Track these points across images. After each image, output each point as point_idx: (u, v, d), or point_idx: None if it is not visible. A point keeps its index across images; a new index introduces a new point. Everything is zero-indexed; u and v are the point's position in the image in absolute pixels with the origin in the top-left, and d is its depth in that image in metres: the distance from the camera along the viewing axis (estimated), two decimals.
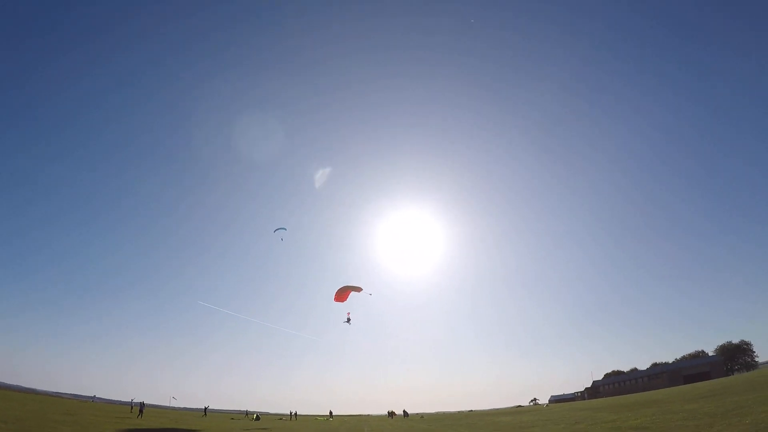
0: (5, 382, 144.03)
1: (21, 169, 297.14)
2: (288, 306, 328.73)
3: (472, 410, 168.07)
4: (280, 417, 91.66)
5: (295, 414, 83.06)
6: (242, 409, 78.64)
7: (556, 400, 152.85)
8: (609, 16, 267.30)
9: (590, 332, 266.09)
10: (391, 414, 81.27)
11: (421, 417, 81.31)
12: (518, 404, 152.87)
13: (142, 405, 52.08)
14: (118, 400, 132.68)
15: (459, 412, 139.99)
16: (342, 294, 33.98)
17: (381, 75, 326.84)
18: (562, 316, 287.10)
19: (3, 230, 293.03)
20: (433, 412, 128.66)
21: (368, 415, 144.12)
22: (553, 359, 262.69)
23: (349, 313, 34.81)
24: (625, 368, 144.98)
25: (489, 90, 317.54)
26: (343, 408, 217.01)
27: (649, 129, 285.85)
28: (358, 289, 33.85)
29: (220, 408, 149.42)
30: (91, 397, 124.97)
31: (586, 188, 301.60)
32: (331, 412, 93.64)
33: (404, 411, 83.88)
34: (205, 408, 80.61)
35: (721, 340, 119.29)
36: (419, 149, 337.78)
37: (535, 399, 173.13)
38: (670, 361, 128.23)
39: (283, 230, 42.13)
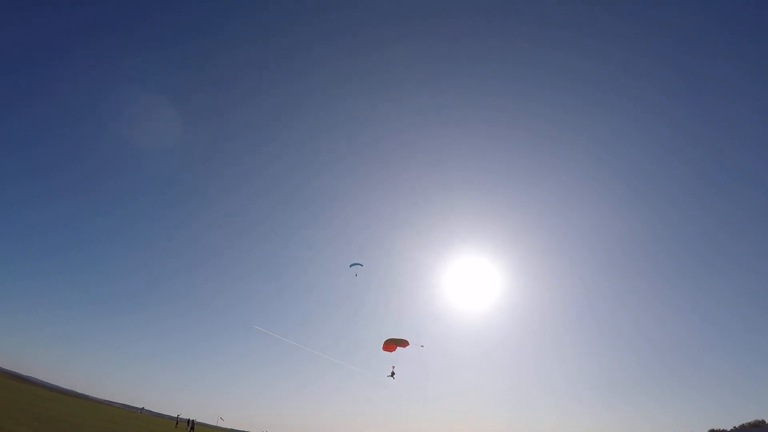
0: (59, 385, 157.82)
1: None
2: (352, 340, 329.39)
3: None
4: None
5: None
6: None
7: None
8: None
9: (643, 394, 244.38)
10: None
11: None
12: None
13: (192, 423, 54.51)
14: (165, 414, 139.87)
15: None
16: (389, 346, 33.34)
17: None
18: (613, 375, 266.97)
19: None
20: None
21: None
22: (604, 415, 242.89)
23: (394, 367, 33.72)
24: None
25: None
26: None
27: None
28: (404, 344, 33.24)
29: None
30: (139, 409, 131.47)
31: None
32: None
33: None
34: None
35: None
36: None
37: None
38: (729, 429, 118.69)
39: (360, 266, 41.84)
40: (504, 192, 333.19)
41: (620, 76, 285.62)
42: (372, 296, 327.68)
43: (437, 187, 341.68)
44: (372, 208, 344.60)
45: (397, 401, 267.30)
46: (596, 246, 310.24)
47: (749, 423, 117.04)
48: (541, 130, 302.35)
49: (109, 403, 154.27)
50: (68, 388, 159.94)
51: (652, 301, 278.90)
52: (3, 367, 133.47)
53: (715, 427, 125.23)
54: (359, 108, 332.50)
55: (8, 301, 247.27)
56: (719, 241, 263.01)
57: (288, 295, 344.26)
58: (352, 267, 42.04)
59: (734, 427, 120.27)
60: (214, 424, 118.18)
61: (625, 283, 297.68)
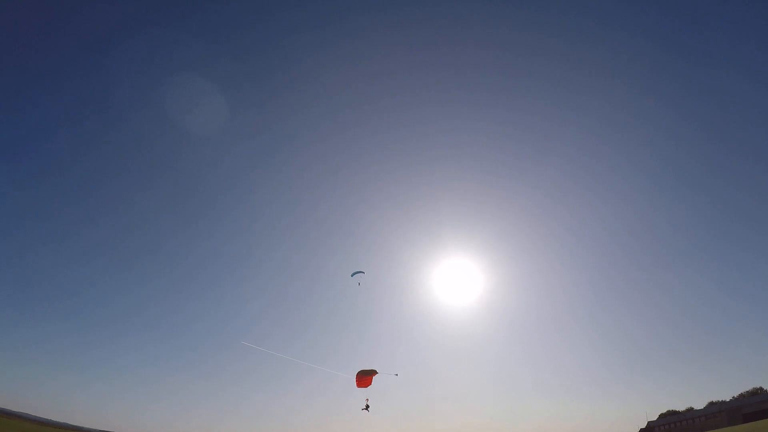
0: (47, 418, 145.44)
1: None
2: (335, 345, 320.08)
3: None
4: None
5: None
6: None
7: None
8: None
9: (640, 370, 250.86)
10: None
11: None
12: None
13: None
14: None
15: None
16: (363, 379, 33.06)
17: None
18: (611, 353, 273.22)
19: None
20: None
21: None
22: (600, 400, 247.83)
23: (367, 400, 33.74)
24: (679, 407, 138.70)
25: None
26: None
27: None
28: (374, 373, 33.03)
29: None
30: None
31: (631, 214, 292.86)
32: None
33: None
34: None
35: None
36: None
37: None
38: (728, 399, 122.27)
39: (361, 273, 41.21)
40: (488, 188, 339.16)
41: (598, 68, 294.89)
42: (357, 298, 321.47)
43: (422, 185, 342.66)
44: (356, 207, 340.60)
45: (388, 402, 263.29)
46: (581, 237, 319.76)
47: (748, 392, 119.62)
48: (528, 125, 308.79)
49: None
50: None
51: (640, 278, 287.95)
52: None
53: (715, 399, 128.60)
54: (338, 107, 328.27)
55: None
56: (708, 214, 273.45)
57: (266, 300, 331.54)
58: (354, 276, 41.18)
59: (733, 396, 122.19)
60: None
61: (612, 261, 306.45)
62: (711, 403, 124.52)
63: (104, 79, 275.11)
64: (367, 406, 33.69)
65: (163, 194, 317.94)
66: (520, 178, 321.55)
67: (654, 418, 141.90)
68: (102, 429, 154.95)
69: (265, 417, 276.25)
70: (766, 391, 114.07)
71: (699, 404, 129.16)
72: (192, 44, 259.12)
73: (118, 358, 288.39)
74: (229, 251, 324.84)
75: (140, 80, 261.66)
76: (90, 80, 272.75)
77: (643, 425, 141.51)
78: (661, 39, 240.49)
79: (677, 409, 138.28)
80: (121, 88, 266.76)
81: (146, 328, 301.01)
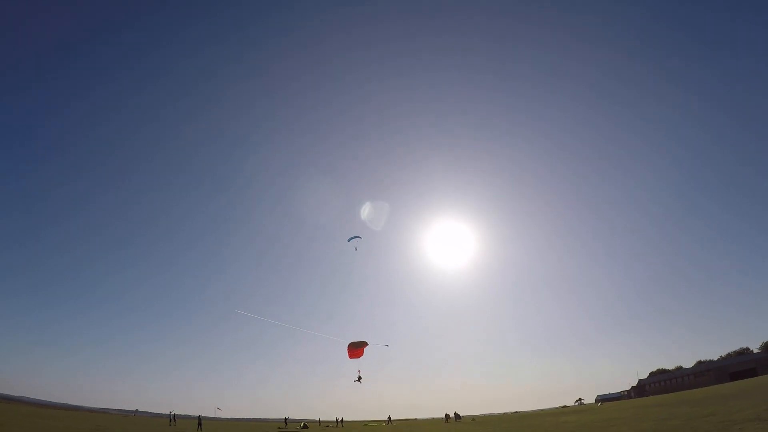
0: (48, 400, 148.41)
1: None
2: (331, 312, 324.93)
3: (517, 411, 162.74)
4: (327, 425, 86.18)
5: (342, 420, 79.49)
6: (281, 418, 75.38)
7: (602, 399, 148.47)
8: None
9: (631, 330, 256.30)
10: (447, 418, 76.86)
11: (473, 419, 77.80)
12: (563, 404, 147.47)
13: (200, 420, 50.00)
14: (159, 413, 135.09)
15: (504, 414, 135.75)
16: (355, 351, 33.69)
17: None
18: (602, 314, 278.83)
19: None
20: (478, 414, 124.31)
21: (415, 419, 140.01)
22: (592, 359, 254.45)
23: (360, 371, 34.59)
24: (668, 366, 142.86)
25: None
26: (383, 413, 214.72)
27: None
28: (365, 345, 33.94)
29: (263, 417, 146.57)
30: (132, 412, 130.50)
31: (623, 178, 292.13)
32: (389, 418, 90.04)
33: (456, 414, 78.04)
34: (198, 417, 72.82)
35: (766, 337, 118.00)
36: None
37: (580, 399, 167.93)
38: (715, 359, 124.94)
39: (358, 238, 40.33)
40: (481, 157, 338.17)
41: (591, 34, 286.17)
42: (353, 265, 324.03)
43: (418, 151, 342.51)
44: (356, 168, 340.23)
45: (389, 366, 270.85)
46: (571, 197, 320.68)
47: (735, 351, 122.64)
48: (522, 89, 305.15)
49: (104, 411, 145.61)
50: (56, 401, 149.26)
51: (632, 239, 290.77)
52: None
53: (703, 358, 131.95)
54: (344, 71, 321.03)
55: None
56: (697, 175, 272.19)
57: (264, 270, 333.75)
58: (351, 241, 40.35)
59: (720, 356, 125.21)
60: (212, 416, 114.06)
61: (601, 222, 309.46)
62: (699, 362, 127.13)
63: None
64: (359, 378, 34.31)
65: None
66: (513, 135, 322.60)
67: (645, 376, 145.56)
68: (103, 407, 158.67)
69: (268, 384, 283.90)
70: (751, 351, 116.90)
71: (688, 363, 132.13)
72: None
73: (116, 336, 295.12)
74: (224, 217, 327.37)
75: None
76: None
77: (635, 383, 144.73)
78: None
79: (667, 368, 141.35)
80: None
81: (140, 306, 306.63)
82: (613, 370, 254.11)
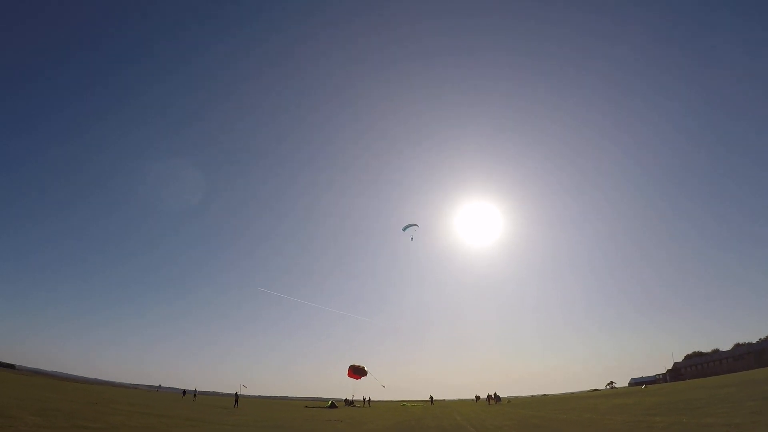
0: (84, 376, 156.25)
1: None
2: (359, 293, 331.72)
3: (546, 394, 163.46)
4: (352, 403, 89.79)
5: (369, 400, 78.19)
6: (308, 396, 77.51)
7: (636, 383, 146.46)
8: None
9: (667, 312, 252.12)
10: (489, 399, 75.38)
11: (509, 401, 78.08)
12: (594, 388, 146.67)
13: (236, 396, 52.63)
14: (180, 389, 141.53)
15: (532, 397, 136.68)
16: (354, 374, 38.27)
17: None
18: (635, 297, 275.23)
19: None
20: (509, 396, 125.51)
21: (443, 400, 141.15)
22: (624, 342, 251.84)
23: (354, 396, 39.85)
24: (705, 349, 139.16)
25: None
26: (414, 394, 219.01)
27: None
28: (363, 373, 37.31)
29: (291, 395, 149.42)
30: (156, 387, 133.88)
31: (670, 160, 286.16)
32: (431, 398, 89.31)
33: (496, 395, 76.11)
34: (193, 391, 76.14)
35: None
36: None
37: (611, 383, 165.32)
38: (755, 341, 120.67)
39: (415, 227, 37.92)
40: (508, 135, 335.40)
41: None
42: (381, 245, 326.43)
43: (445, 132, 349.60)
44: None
45: (420, 349, 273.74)
46: (610, 179, 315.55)
47: None
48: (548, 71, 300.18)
49: (134, 386, 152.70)
50: (90, 376, 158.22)
51: (671, 218, 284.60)
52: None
53: (741, 341, 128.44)
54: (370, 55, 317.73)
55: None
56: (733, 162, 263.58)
57: (291, 249, 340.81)
58: (407, 230, 38.04)
59: (759, 339, 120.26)
60: (239, 392, 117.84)
61: (643, 204, 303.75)
62: (737, 345, 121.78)
63: None
64: (353, 403, 35.86)
65: None
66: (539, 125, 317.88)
67: (680, 359, 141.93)
68: (134, 383, 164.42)
69: (295, 364, 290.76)
70: None
71: (725, 346, 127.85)
72: None
73: (144, 312, 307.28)
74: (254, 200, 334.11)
75: None
76: None
77: (670, 366, 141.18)
78: None
79: (703, 351, 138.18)
80: None
81: (168, 282, 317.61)
82: (645, 353, 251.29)
